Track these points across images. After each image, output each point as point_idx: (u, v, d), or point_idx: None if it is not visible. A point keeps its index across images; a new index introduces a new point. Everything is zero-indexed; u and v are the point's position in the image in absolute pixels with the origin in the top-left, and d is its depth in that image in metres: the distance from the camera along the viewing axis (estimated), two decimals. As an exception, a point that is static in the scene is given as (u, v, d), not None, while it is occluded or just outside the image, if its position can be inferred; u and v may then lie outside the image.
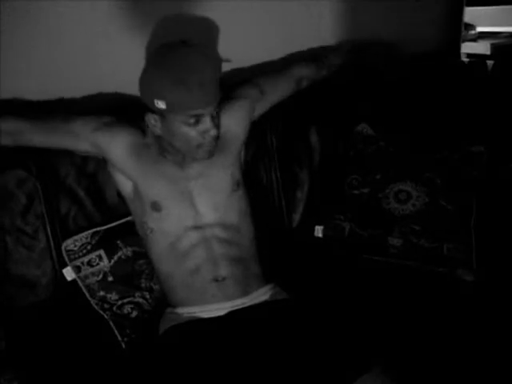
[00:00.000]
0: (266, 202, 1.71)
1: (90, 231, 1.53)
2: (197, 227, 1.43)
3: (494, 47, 2.43)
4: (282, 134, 1.71)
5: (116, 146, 1.44)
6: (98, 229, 1.53)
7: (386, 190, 1.67)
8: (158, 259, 1.45)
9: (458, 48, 2.13)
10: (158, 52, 1.36)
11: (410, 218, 1.63)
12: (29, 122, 1.45)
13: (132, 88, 1.41)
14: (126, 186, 1.49)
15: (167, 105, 1.29)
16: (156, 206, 1.42)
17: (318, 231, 1.72)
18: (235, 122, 1.52)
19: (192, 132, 1.33)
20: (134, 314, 1.48)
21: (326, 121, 1.75)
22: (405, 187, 1.66)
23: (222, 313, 1.37)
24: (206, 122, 1.33)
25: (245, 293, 1.41)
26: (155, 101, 1.30)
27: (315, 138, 1.74)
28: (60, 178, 1.53)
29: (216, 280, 1.40)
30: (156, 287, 1.52)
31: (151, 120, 1.36)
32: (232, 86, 1.57)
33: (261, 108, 1.59)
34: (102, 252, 1.51)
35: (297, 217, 1.75)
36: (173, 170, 1.45)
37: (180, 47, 1.31)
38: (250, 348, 1.28)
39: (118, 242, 1.52)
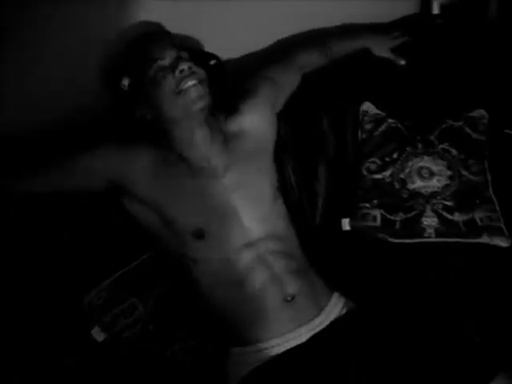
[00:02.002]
0: (288, 200, 1.50)
1: (114, 276, 1.28)
2: (248, 245, 1.24)
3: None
4: (293, 124, 1.54)
5: (136, 174, 1.22)
6: (121, 272, 1.29)
7: (405, 169, 1.60)
8: (210, 293, 1.25)
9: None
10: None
11: (438, 195, 1.57)
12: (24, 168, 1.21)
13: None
14: (148, 218, 1.26)
15: (129, 74, 1.25)
16: (199, 234, 1.22)
17: (345, 224, 1.60)
18: (261, 120, 1.36)
19: (166, 79, 1.20)
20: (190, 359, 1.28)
21: (334, 105, 1.61)
22: (424, 163, 1.60)
23: (303, 339, 1.21)
24: (171, 61, 1.21)
25: (319, 309, 1.26)
26: (121, 83, 1.23)
27: (327, 125, 1.59)
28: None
29: (286, 300, 1.23)
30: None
31: (139, 115, 1.25)
32: (239, 82, 1.40)
33: (279, 101, 1.42)
34: (134, 300, 1.28)
35: (318, 213, 1.61)
36: (209, 184, 1.25)
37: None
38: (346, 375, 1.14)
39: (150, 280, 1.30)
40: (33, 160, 1.23)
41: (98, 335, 1.25)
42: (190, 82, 1.20)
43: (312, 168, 1.58)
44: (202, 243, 1.22)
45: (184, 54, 1.24)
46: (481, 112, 1.66)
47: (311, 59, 1.53)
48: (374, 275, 1.49)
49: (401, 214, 1.56)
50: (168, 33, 1.31)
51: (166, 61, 1.21)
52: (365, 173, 1.62)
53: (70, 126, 1.27)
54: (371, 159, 1.62)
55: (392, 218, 1.55)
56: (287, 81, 1.46)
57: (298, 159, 1.56)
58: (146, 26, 1.36)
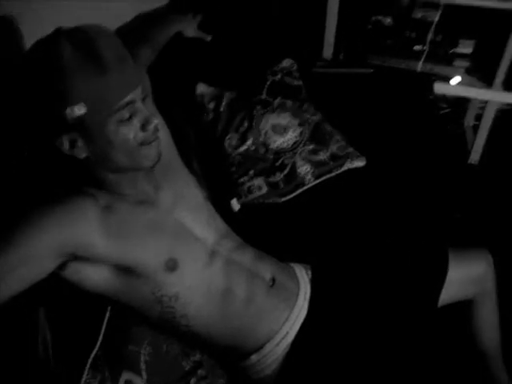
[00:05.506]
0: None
1: (88, 363, 1.03)
2: (212, 255, 1.14)
3: None
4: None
5: (89, 233, 0.97)
6: (94, 352, 1.04)
7: (261, 132, 1.64)
8: (203, 320, 1.10)
9: None
10: (41, 47, 0.92)
11: (300, 143, 1.67)
12: None
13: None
14: (103, 278, 1.03)
15: (88, 104, 0.92)
16: (172, 265, 1.06)
17: (235, 204, 1.57)
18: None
19: (131, 129, 0.98)
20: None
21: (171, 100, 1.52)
22: (273, 121, 1.67)
23: (304, 311, 1.19)
24: (141, 110, 1.00)
25: (295, 279, 1.24)
26: (67, 111, 0.91)
27: (179, 118, 1.50)
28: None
29: (270, 286, 1.18)
30: (200, 357, 1.17)
31: (66, 144, 0.95)
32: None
33: None
34: (126, 374, 1.05)
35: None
36: (152, 212, 1.08)
37: (66, 31, 0.93)
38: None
39: (130, 347, 1.08)
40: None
41: None
42: (152, 132, 1.01)
43: (189, 164, 1.50)
44: (177, 274, 1.06)
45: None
46: (289, 61, 1.83)
47: (147, 56, 1.42)
48: (288, 236, 1.54)
49: (278, 173, 1.62)
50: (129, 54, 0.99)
51: (138, 107, 0.97)
52: (229, 150, 1.62)
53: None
54: (229, 135, 1.63)
55: (274, 180, 1.61)
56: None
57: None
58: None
